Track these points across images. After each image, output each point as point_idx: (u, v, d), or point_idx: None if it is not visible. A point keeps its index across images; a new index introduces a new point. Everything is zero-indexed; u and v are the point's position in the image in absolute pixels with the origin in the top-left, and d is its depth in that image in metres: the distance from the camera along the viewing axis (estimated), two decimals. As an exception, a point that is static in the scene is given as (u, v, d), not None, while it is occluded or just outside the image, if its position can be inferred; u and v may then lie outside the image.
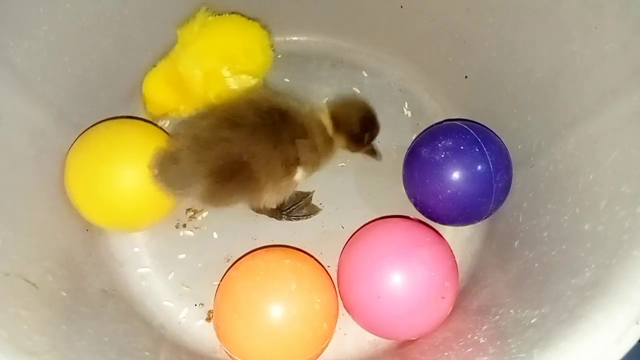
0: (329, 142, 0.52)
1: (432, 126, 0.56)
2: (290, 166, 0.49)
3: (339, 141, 0.53)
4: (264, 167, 0.47)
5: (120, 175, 0.48)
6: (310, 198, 0.57)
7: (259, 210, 0.54)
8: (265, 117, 0.47)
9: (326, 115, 0.52)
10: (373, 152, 0.55)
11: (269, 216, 0.55)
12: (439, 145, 0.50)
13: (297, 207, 0.56)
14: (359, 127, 0.52)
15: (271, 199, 0.50)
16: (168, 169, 0.47)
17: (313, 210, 0.56)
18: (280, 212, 0.55)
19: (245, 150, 0.46)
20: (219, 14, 0.55)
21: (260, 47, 0.56)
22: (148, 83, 0.55)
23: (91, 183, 0.48)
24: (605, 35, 0.40)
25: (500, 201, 0.51)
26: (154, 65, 0.56)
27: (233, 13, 0.57)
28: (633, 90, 0.38)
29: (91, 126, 0.52)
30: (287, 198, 0.54)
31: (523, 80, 0.50)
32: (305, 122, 0.50)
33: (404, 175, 0.55)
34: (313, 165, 0.51)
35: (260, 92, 0.53)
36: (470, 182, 0.49)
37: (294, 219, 0.56)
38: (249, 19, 0.57)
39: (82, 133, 0.51)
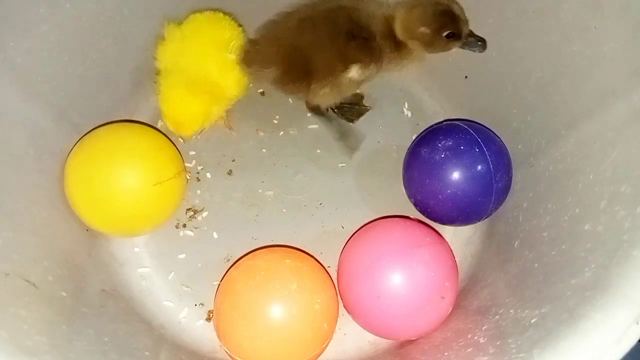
0: (399, 47, 0.53)
1: (432, 126, 0.56)
2: (346, 61, 0.52)
3: (414, 45, 0.53)
4: (322, 56, 0.51)
5: (121, 181, 0.48)
6: (363, 105, 0.60)
7: (314, 109, 0.58)
8: (327, 14, 0.52)
9: (398, 20, 0.52)
10: (472, 44, 0.51)
11: (321, 112, 0.58)
12: (439, 145, 0.50)
13: (350, 106, 0.59)
14: (430, 30, 0.51)
15: (330, 94, 0.54)
16: (249, 51, 0.53)
17: (364, 110, 0.59)
18: (335, 108, 0.58)
19: (307, 40, 0.51)
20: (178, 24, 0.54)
21: (224, 18, 0.56)
22: (171, 103, 0.52)
23: (91, 189, 0.48)
24: (605, 35, 0.40)
25: (500, 201, 0.51)
26: (158, 92, 0.53)
27: (224, 13, 0.56)
28: (633, 90, 0.38)
29: (90, 131, 0.52)
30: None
31: (523, 80, 0.50)
32: (369, 23, 0.52)
33: (404, 175, 0.55)
34: (368, 65, 0.52)
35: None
36: (470, 182, 0.49)
37: (345, 118, 0.59)
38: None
39: (81, 138, 0.51)
